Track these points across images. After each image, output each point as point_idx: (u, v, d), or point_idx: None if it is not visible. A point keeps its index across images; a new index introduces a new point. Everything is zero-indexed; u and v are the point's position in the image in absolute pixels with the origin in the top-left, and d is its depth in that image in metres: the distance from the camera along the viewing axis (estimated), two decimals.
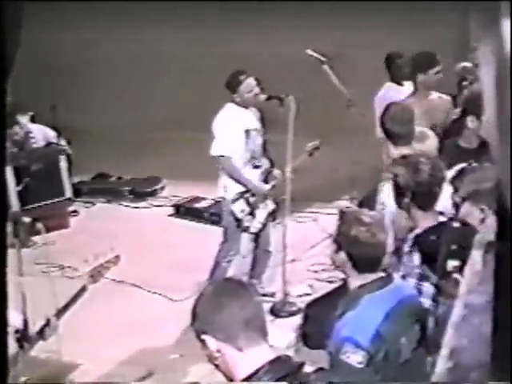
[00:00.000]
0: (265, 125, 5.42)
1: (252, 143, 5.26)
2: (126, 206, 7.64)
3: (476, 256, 2.01)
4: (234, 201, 5.23)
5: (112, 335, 5.09)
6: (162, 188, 7.91)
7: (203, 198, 7.31)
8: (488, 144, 4.22)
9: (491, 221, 2.78)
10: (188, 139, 8.19)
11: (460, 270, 2.84)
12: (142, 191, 7.83)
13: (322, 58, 6.69)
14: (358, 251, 2.82)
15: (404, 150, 3.88)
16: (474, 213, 3.15)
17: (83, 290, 3.49)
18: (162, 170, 7.98)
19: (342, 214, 2.93)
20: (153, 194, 7.80)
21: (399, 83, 6.40)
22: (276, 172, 5.42)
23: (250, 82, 5.17)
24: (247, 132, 5.22)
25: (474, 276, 2.00)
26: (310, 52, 6.75)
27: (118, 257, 3.66)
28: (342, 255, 2.85)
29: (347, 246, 2.83)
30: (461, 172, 3.53)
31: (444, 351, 1.71)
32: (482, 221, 3.02)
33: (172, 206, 7.42)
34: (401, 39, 6.82)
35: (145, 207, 7.60)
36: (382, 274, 2.87)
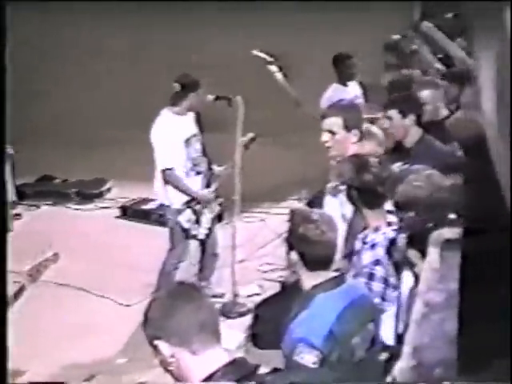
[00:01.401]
0: (202, 127, 5.37)
1: (193, 150, 5.24)
2: (73, 208, 7.51)
3: (433, 253, 2.02)
4: (180, 211, 5.20)
5: (59, 340, 4.97)
6: (109, 189, 7.81)
7: (151, 200, 7.14)
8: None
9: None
10: (135, 139, 8.08)
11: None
12: (88, 193, 7.71)
13: (269, 59, 6.70)
14: (308, 249, 2.82)
15: (353, 148, 3.90)
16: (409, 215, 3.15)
17: (22, 289, 3.39)
18: (108, 171, 7.87)
19: (292, 214, 2.93)
20: (99, 195, 7.70)
21: (345, 84, 6.46)
22: (218, 170, 5.38)
23: (198, 84, 5.13)
24: (187, 141, 5.19)
25: (432, 273, 2.00)
26: (256, 52, 6.75)
27: (56, 255, 3.58)
28: (294, 255, 2.84)
29: (297, 245, 2.83)
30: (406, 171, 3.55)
31: (406, 349, 1.71)
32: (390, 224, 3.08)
33: (119, 207, 7.34)
34: (349, 40, 6.85)
35: (91, 209, 7.47)
36: (335, 274, 2.87)
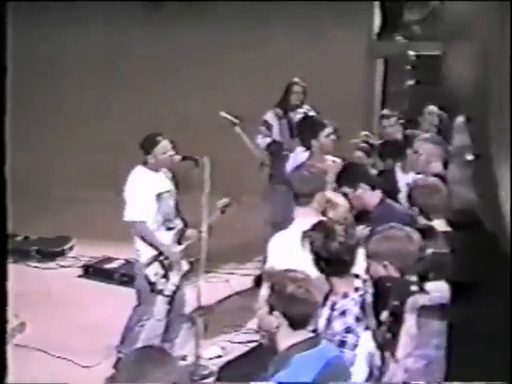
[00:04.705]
0: (178, 185, 5.37)
1: (165, 206, 5.22)
2: (33, 266, 7.36)
3: (409, 319, 1.99)
4: (148, 264, 5.14)
5: None
6: (71, 248, 7.68)
7: (114, 259, 7.15)
8: None
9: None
10: (99, 197, 8.02)
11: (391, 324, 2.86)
12: (49, 251, 7.57)
13: (235, 120, 6.80)
14: (294, 309, 2.82)
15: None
16: (379, 270, 3.22)
17: None
18: (71, 229, 7.77)
19: (271, 274, 2.93)
20: (61, 253, 7.56)
21: (307, 147, 6.53)
22: (189, 232, 5.37)
23: (165, 144, 5.14)
24: (159, 195, 5.18)
25: (409, 340, 1.97)
26: (223, 114, 6.83)
27: (23, 324, 3.46)
28: (277, 315, 2.82)
29: (283, 306, 2.82)
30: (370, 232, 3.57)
31: None
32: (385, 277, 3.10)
33: (81, 266, 7.23)
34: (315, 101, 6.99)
35: (52, 268, 7.33)
36: (311, 334, 2.87)
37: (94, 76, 9.29)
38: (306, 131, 5.81)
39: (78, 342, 5.60)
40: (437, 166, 4.98)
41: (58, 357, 5.46)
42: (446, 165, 5.11)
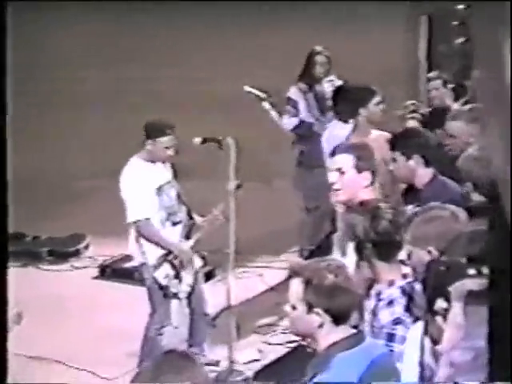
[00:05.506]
0: (177, 174, 5.36)
1: (167, 199, 5.22)
2: (45, 269, 7.44)
3: (456, 308, 1.98)
4: (157, 267, 5.16)
5: None
6: (86, 247, 7.71)
7: (133, 257, 7.16)
8: None
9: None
10: (115, 189, 8.08)
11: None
12: (62, 251, 7.62)
13: (262, 95, 6.74)
14: (337, 302, 2.80)
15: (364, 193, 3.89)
16: (423, 257, 3.17)
17: None
18: (85, 225, 7.79)
19: (303, 268, 2.91)
20: (75, 254, 7.59)
21: (345, 120, 6.48)
22: (199, 220, 5.35)
23: (171, 140, 5.12)
24: (159, 188, 5.18)
25: (455, 330, 1.96)
26: (248, 88, 6.79)
27: (20, 315, 3.54)
28: (318, 314, 2.80)
29: (325, 301, 2.80)
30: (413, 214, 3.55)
31: None
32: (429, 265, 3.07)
33: (97, 266, 7.26)
34: (346, 71, 6.92)
35: (66, 270, 7.39)
36: (354, 331, 2.85)
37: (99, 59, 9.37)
38: (347, 101, 5.67)
39: (98, 351, 5.65)
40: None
41: (76, 368, 5.52)
42: None
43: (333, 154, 4.13)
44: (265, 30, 9.09)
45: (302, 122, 6.69)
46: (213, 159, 5.23)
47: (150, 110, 5.56)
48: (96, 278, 7.17)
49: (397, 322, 3.23)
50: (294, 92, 6.73)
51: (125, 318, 5.98)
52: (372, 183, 4.02)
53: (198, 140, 5.24)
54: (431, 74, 6.78)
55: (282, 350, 5.53)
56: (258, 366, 5.39)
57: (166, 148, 5.11)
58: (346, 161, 4.01)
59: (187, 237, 5.32)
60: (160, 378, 2.02)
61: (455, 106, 6.02)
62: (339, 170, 3.99)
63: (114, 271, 7.13)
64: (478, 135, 4.74)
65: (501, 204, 2.18)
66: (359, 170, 4.00)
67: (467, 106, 5.61)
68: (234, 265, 5.37)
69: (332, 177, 4.01)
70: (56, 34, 9.61)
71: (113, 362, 5.26)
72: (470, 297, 2.20)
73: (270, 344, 5.75)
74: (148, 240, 5.15)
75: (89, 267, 7.36)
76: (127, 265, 7.09)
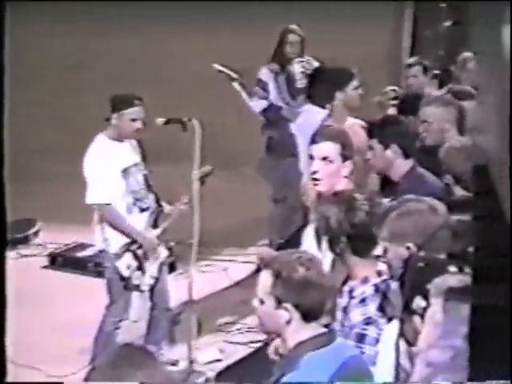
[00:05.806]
0: (146, 157, 5.32)
1: (134, 183, 5.18)
2: None
3: (434, 305, 1.95)
4: (119, 256, 5.12)
5: None
6: (36, 233, 7.66)
7: (88, 245, 7.03)
8: None
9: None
10: (69, 173, 7.97)
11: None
12: (10, 238, 7.54)
13: (233, 75, 6.68)
14: (308, 297, 2.76)
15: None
16: (401, 253, 3.15)
17: None
18: (36, 210, 7.73)
19: (272, 260, 2.85)
20: (24, 240, 7.53)
21: (321, 105, 6.43)
22: (167, 208, 5.32)
23: (138, 111, 5.07)
24: (125, 171, 5.14)
25: (433, 328, 1.92)
26: (218, 67, 6.71)
27: None
28: (287, 309, 2.76)
29: (295, 295, 2.75)
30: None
31: None
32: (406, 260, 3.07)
33: (48, 255, 7.20)
34: (323, 53, 6.87)
35: (13, 258, 7.26)
36: (324, 330, 2.81)
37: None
38: (323, 84, 5.62)
39: (47, 346, 5.61)
40: (452, 135, 4.72)
41: (25, 366, 5.35)
42: (461, 131, 4.83)
43: (314, 141, 4.06)
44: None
45: (270, 105, 6.68)
46: (179, 142, 5.18)
47: (113, 89, 5.47)
48: (45, 267, 7.11)
49: (368, 321, 3.23)
50: (264, 73, 6.74)
51: (77, 312, 5.94)
52: (352, 173, 3.98)
53: (161, 120, 5.20)
54: (411, 60, 6.75)
55: (245, 350, 5.57)
56: (219, 366, 5.40)
57: (133, 120, 5.05)
58: (332, 149, 3.98)
59: (154, 225, 5.28)
60: (116, 374, 1.97)
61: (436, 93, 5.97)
62: (325, 158, 3.97)
63: (65, 260, 7.09)
64: (453, 121, 4.74)
65: (493, 195, 2.12)
66: (344, 158, 3.98)
67: (442, 91, 5.60)
68: (197, 257, 5.36)
69: (315, 166, 3.96)
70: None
71: (65, 359, 5.25)
72: (451, 293, 2.16)
73: (232, 343, 5.77)
74: (112, 226, 5.11)
75: (38, 255, 7.30)
76: (80, 254, 7.10)
